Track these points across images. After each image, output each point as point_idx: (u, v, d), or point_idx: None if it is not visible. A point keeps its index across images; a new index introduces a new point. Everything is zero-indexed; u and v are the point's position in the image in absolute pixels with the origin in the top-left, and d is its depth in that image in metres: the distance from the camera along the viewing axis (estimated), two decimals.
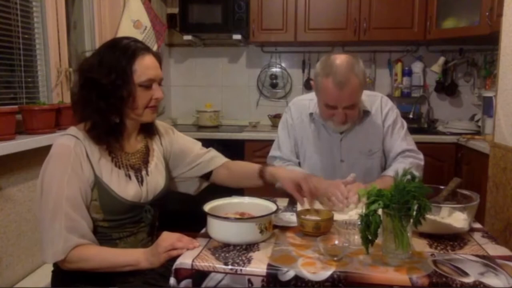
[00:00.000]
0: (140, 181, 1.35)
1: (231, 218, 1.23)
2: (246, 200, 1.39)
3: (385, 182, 1.55)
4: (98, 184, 1.26)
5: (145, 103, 1.29)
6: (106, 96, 1.24)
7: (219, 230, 1.22)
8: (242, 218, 1.25)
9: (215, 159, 1.55)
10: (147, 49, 1.30)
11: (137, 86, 1.26)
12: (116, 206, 1.28)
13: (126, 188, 1.30)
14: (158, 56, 1.34)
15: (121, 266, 1.21)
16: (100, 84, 1.23)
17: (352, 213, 1.42)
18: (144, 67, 1.27)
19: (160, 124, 1.52)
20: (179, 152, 1.52)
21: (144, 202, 1.36)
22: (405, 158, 1.74)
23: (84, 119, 1.29)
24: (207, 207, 1.28)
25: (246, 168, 1.54)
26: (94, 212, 1.26)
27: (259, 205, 1.34)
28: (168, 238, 1.18)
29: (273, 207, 1.29)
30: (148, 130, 1.43)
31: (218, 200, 1.35)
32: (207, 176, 1.56)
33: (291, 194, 1.39)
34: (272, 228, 1.27)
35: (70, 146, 1.24)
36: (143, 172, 1.37)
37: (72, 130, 1.30)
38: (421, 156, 1.78)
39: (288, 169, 1.51)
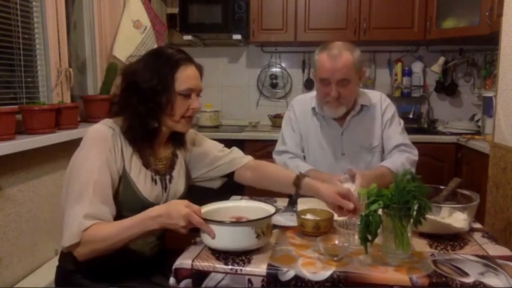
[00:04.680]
0: (164, 187, 1.36)
1: (226, 222, 1.16)
2: (243, 203, 1.35)
3: (382, 173, 1.66)
4: (124, 179, 1.27)
5: (183, 112, 1.31)
6: (146, 100, 1.26)
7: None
8: (237, 221, 1.18)
9: (236, 160, 1.52)
10: (190, 60, 1.33)
11: (177, 94, 1.28)
12: (136, 204, 1.27)
13: (151, 190, 1.31)
14: (200, 68, 1.36)
15: (136, 229, 1.16)
16: (141, 88, 1.26)
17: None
18: (186, 76, 1.29)
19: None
20: (198, 154, 1.51)
21: None
22: (401, 152, 1.79)
23: (117, 116, 1.31)
24: (201, 211, 1.19)
25: (278, 174, 1.49)
26: None
27: (257, 209, 1.27)
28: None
29: (271, 210, 1.22)
30: (177, 139, 1.43)
31: (213, 204, 1.29)
32: (230, 175, 1.54)
33: (333, 208, 1.34)
34: (271, 233, 1.21)
35: (108, 134, 1.26)
36: (167, 177, 1.38)
37: (109, 121, 1.31)
38: (416, 151, 1.83)
39: (326, 183, 1.43)
